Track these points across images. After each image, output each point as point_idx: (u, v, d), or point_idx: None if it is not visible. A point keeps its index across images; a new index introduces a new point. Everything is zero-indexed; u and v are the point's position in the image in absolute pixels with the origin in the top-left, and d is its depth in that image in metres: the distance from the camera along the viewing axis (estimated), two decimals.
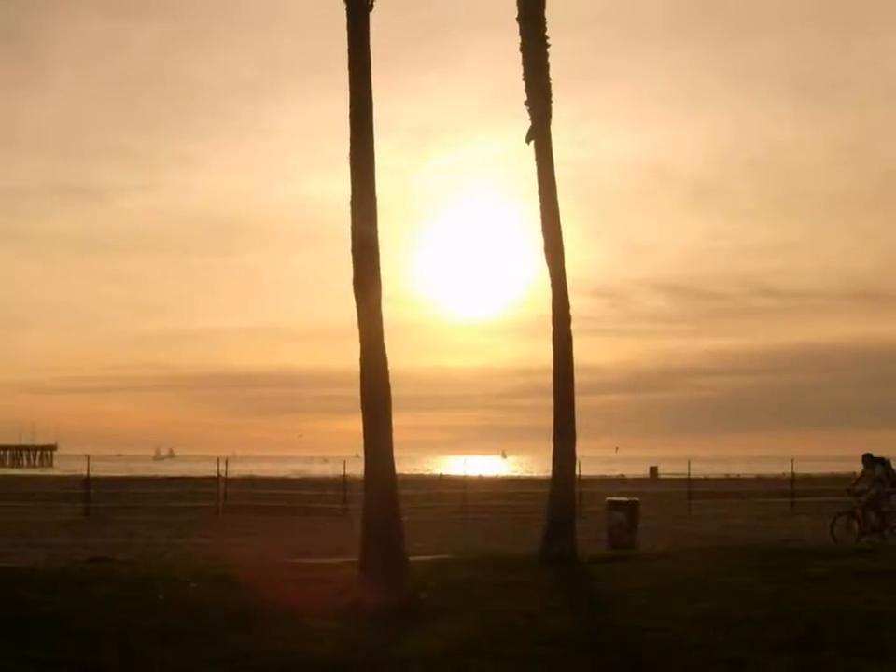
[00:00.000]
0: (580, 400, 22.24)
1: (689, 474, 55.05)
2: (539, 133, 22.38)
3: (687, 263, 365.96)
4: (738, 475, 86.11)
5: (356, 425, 16.79)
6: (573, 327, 22.23)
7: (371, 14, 17.29)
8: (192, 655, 12.03)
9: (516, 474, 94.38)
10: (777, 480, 62.98)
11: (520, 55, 22.51)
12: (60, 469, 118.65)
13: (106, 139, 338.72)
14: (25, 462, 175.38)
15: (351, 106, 17.03)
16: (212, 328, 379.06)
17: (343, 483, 48.19)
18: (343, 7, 17.27)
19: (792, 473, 54.55)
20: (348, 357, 16.92)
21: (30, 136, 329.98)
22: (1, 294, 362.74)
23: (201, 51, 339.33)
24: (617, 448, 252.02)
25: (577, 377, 22.24)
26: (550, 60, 22.54)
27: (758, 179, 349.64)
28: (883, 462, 29.12)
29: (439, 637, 13.18)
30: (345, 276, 16.86)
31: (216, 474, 49.27)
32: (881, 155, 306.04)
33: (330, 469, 77.52)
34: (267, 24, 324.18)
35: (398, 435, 16.78)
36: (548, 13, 22.62)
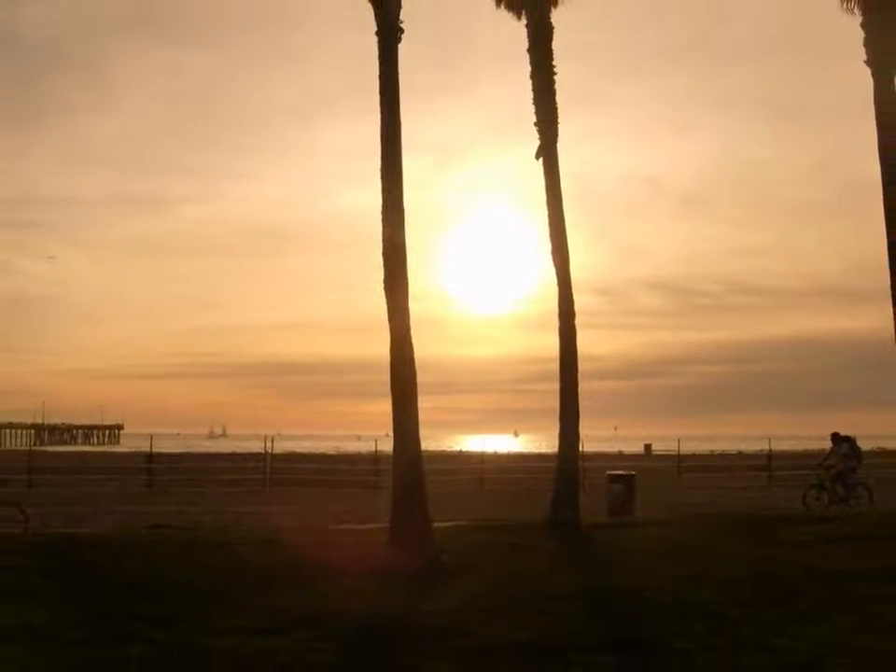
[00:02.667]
0: (582, 385, 22.24)
1: (679, 451, 54.89)
2: (547, 151, 22.34)
3: (676, 264, 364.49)
4: (722, 452, 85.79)
5: (386, 407, 16.83)
6: (576, 321, 22.21)
7: (400, 45, 17.30)
8: (243, 608, 12.08)
9: (527, 451, 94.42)
10: (756, 456, 62.77)
11: (530, 81, 22.46)
12: (126, 446, 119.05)
13: (168, 156, 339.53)
14: (95, 440, 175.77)
15: (382, 127, 17.04)
16: (260, 321, 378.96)
17: (375, 458, 48.15)
18: (375, 39, 17.28)
19: (770, 450, 54.33)
20: (380, 348, 16.96)
21: (101, 153, 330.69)
22: (75, 293, 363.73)
23: (251, 78, 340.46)
24: (616, 427, 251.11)
25: (580, 365, 22.23)
26: (556, 86, 22.50)
27: (738, 190, 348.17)
28: (849, 439, 29.02)
29: (457, 592, 13.21)
30: (377, 277, 16.89)
31: (263, 451, 49.31)
32: (846, 169, 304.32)
33: (364, 446, 77.59)
34: (309, 54, 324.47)
35: (422, 415, 16.84)
36: (554, 44, 22.58)
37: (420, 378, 16.79)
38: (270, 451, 48.76)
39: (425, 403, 17.02)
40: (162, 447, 62.54)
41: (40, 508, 27.55)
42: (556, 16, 22.62)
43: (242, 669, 9.54)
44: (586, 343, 23.76)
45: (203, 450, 79.31)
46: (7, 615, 11.51)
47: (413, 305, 16.80)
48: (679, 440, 58.02)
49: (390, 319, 16.72)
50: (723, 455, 74.46)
